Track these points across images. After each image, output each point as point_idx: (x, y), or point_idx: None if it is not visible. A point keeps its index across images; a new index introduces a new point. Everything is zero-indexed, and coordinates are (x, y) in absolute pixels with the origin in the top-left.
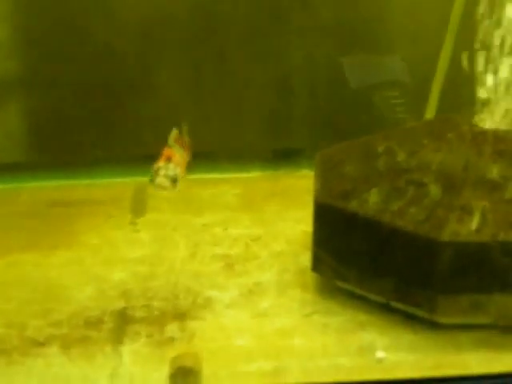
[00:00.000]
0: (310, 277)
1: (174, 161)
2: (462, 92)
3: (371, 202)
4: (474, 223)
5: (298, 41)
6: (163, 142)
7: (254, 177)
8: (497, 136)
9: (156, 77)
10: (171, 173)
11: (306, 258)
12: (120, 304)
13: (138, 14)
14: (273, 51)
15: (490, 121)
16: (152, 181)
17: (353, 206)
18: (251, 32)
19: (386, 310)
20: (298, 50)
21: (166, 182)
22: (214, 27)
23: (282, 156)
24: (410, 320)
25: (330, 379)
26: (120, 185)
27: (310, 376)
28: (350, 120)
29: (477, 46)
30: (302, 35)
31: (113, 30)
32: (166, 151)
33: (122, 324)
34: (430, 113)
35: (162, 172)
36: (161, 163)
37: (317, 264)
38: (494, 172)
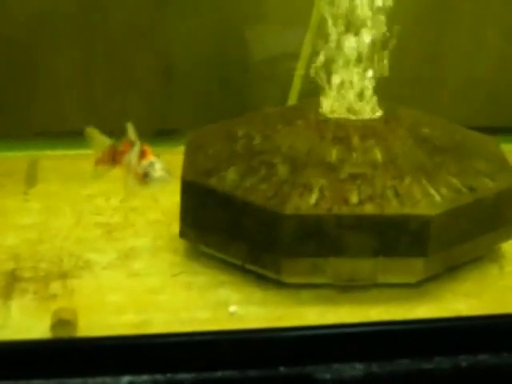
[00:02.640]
0: (180, 242)
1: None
2: None
3: (228, 179)
4: (313, 198)
5: (180, 24)
6: (54, 119)
7: None
8: (337, 124)
9: (47, 60)
10: (164, 165)
11: (177, 227)
12: (10, 265)
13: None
14: (157, 37)
15: (332, 110)
16: (147, 176)
17: (212, 182)
18: (136, 17)
19: (242, 271)
20: (181, 33)
21: (166, 175)
22: (102, 14)
23: (163, 135)
24: (262, 280)
25: (189, 329)
26: (14, 159)
27: (171, 327)
28: (230, 101)
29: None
30: (184, 17)
31: (3, 17)
32: (144, 147)
33: (11, 282)
34: (292, 98)
35: (157, 166)
36: (151, 157)
37: (184, 232)
38: (333, 155)
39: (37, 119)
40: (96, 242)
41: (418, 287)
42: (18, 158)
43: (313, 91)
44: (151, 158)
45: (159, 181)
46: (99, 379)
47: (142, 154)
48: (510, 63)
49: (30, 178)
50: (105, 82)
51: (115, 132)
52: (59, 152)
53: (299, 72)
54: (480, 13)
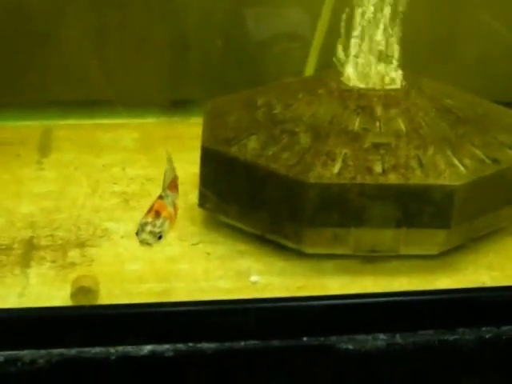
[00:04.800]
0: (198, 212)
1: (163, 215)
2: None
3: (250, 147)
4: (336, 168)
5: None
6: (68, 88)
7: (151, 123)
8: (360, 93)
9: (61, 29)
10: (157, 230)
11: (194, 196)
12: (27, 234)
13: None
14: (172, 6)
15: (354, 79)
16: (137, 234)
17: (234, 150)
18: None
19: (261, 241)
20: (195, 5)
21: (151, 240)
22: None
23: (177, 105)
24: (282, 250)
25: (211, 298)
26: (27, 127)
27: (192, 295)
28: (242, 73)
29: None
30: None
31: None
32: (157, 204)
33: (29, 250)
34: (309, 70)
35: (148, 228)
36: (149, 218)
37: (203, 201)
38: (356, 124)
39: (50, 88)
40: (113, 211)
41: (440, 258)
42: (31, 126)
43: (328, 64)
44: (149, 218)
45: (142, 243)
46: (120, 348)
47: (156, 213)
48: None
49: (44, 148)
50: (119, 51)
51: (129, 101)
52: (73, 121)
53: (316, 44)
54: None
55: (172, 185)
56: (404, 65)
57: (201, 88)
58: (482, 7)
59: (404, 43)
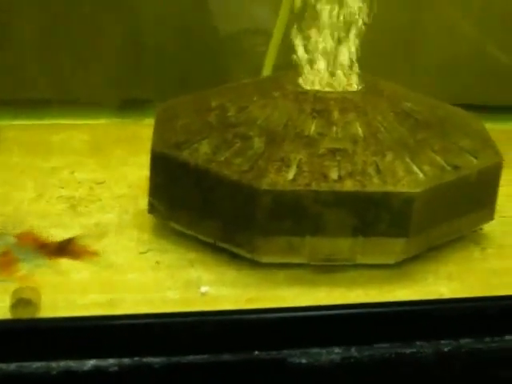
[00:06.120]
0: (147, 218)
1: None
2: None
3: (201, 152)
4: (291, 174)
5: None
6: (15, 87)
7: (102, 124)
8: (316, 96)
9: (8, 26)
10: None
11: (144, 202)
12: None
13: None
14: (126, 1)
15: (311, 82)
16: None
17: (184, 155)
18: None
19: (214, 249)
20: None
21: None
22: None
23: (130, 105)
24: (235, 259)
25: (158, 310)
26: None
27: (139, 307)
28: (201, 71)
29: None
30: None
31: None
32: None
33: None
34: (266, 70)
35: None
36: None
37: (153, 207)
38: (311, 129)
39: None
40: (60, 216)
41: (398, 268)
42: None
43: (287, 63)
44: None
45: None
46: (62, 363)
47: None
48: (490, 40)
49: None
50: (69, 48)
51: (79, 101)
52: (20, 122)
53: (274, 42)
54: None
55: (30, 237)
56: (362, 66)
57: (156, 87)
58: (446, 8)
59: (363, 44)
